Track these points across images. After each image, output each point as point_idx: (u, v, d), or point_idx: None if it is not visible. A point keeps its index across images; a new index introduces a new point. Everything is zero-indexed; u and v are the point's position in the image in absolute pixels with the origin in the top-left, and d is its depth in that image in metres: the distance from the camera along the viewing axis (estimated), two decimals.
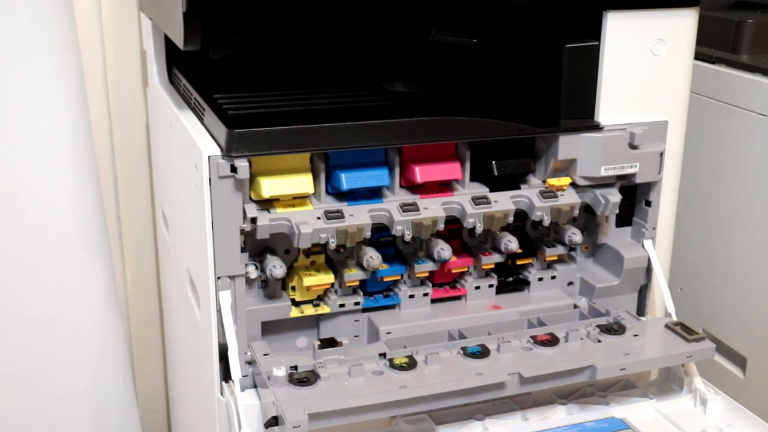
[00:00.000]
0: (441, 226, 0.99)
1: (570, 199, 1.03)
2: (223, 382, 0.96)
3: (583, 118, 1.03)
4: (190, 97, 1.08)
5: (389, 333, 1.01)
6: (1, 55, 1.16)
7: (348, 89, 1.09)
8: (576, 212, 1.04)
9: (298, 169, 0.94)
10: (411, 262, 1.04)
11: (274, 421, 0.89)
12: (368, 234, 0.96)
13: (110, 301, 1.35)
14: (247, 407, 0.92)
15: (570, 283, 1.12)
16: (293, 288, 0.99)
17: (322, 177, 0.96)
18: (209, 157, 0.89)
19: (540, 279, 1.11)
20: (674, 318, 1.07)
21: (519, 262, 1.10)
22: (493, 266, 1.08)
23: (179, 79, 1.17)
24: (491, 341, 0.98)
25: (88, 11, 1.35)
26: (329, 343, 0.97)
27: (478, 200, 1.00)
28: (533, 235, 1.12)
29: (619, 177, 1.05)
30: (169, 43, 1.20)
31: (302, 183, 0.94)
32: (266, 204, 0.94)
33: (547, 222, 1.03)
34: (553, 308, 1.09)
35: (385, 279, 1.03)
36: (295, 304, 1.00)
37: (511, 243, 1.05)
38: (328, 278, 0.99)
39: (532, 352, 0.98)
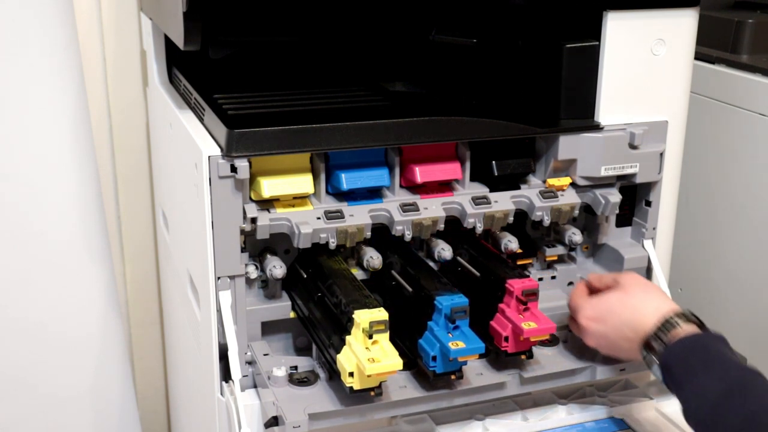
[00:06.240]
0: (441, 226, 0.98)
1: (570, 199, 1.03)
2: (223, 382, 0.96)
3: (583, 118, 1.03)
4: (190, 97, 1.08)
5: None
6: (2, 55, 1.16)
7: (348, 89, 1.09)
8: (576, 212, 1.04)
9: (298, 169, 0.94)
10: None
11: (274, 421, 0.89)
12: (368, 234, 0.96)
13: (110, 301, 1.35)
14: (247, 407, 0.92)
15: (570, 283, 1.12)
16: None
17: (322, 177, 0.96)
18: (209, 157, 0.89)
19: (540, 279, 1.11)
20: None
21: (519, 262, 1.10)
22: None
23: (179, 79, 1.17)
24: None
25: (88, 11, 1.35)
26: None
27: (478, 200, 1.00)
28: (533, 235, 1.12)
29: (619, 177, 1.05)
30: (169, 43, 1.20)
31: (302, 183, 0.94)
32: (266, 204, 0.94)
33: (547, 222, 1.03)
34: (553, 308, 1.09)
35: None
36: None
37: (511, 243, 1.05)
38: None
39: None
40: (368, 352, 0.85)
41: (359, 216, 0.95)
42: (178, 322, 1.28)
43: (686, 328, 0.89)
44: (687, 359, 0.87)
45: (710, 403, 0.82)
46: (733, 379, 0.83)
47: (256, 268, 0.98)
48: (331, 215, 0.94)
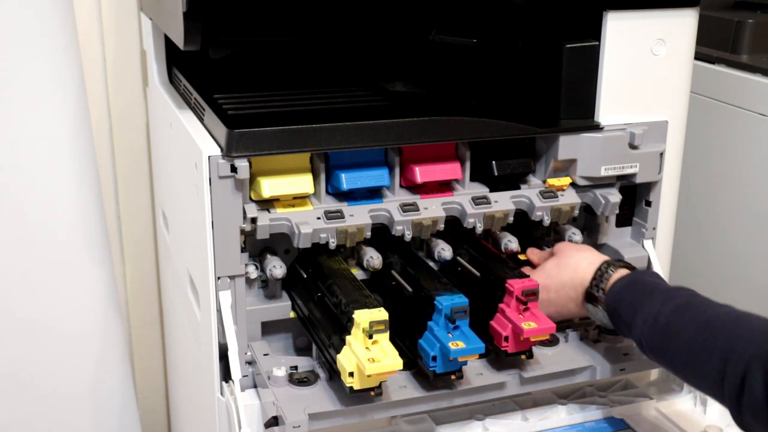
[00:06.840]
0: (441, 226, 0.98)
1: (570, 199, 1.03)
2: (223, 382, 0.96)
3: (583, 118, 1.03)
4: (190, 97, 1.08)
5: None
6: (2, 55, 1.16)
7: (348, 89, 1.09)
8: (576, 212, 1.04)
9: (298, 169, 0.94)
10: None
11: (274, 421, 0.89)
12: (368, 234, 0.96)
13: (110, 301, 1.35)
14: (247, 407, 0.92)
15: None
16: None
17: (322, 177, 0.96)
18: (209, 157, 0.89)
19: None
20: None
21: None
22: None
23: (179, 79, 1.17)
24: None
25: (88, 11, 1.35)
26: None
27: (478, 200, 1.00)
28: (533, 235, 1.12)
29: (619, 177, 1.05)
30: (169, 43, 1.20)
31: (302, 183, 0.94)
32: (266, 204, 0.94)
33: (547, 222, 1.03)
34: None
35: None
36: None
37: (511, 243, 1.05)
38: None
39: None
40: (368, 352, 0.85)
41: (359, 216, 0.95)
42: (178, 322, 1.28)
43: (620, 272, 0.94)
44: (629, 295, 0.91)
45: (663, 324, 0.86)
46: (678, 299, 0.87)
47: (256, 268, 0.98)
48: (331, 215, 0.94)
